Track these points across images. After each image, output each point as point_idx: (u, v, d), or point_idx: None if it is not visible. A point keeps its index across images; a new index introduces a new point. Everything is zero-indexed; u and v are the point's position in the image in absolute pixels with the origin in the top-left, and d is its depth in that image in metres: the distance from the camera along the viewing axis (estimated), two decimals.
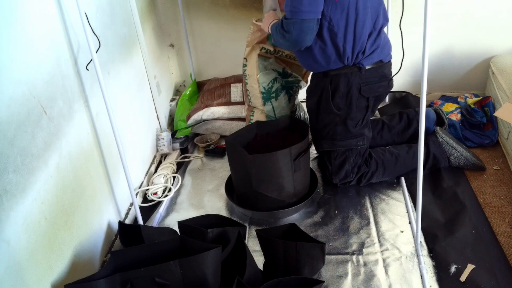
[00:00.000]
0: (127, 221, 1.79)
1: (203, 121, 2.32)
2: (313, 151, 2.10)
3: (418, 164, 1.40)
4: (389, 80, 1.78)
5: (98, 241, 1.55)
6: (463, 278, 1.42)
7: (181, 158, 2.24)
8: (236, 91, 2.33)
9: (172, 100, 2.60)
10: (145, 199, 1.98)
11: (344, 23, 1.59)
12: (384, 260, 1.54)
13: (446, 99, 2.40)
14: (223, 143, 2.27)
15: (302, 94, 2.13)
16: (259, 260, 1.53)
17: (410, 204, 1.78)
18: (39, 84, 1.22)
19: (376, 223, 1.71)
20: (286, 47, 1.68)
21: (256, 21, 1.96)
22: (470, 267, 1.46)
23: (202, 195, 1.98)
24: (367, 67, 1.69)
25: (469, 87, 2.48)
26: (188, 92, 2.54)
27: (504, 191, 1.81)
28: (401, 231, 1.66)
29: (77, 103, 1.43)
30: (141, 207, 1.86)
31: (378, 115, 2.36)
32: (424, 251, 1.56)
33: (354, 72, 1.69)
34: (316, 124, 1.84)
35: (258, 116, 2.08)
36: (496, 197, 1.78)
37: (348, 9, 1.57)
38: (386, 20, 1.71)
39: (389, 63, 1.77)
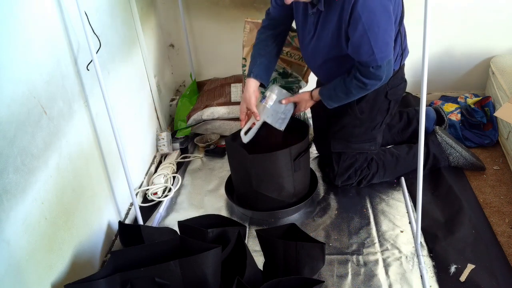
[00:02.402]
0: (127, 221, 1.79)
1: (203, 121, 2.32)
2: (313, 151, 2.10)
3: (418, 164, 1.40)
4: (405, 81, 1.79)
5: (98, 241, 1.55)
6: (463, 278, 1.42)
7: (181, 158, 2.24)
8: (236, 91, 2.33)
9: (172, 100, 2.60)
10: (145, 199, 1.98)
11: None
12: (384, 260, 1.54)
13: (446, 99, 2.40)
14: (223, 143, 2.27)
15: None
16: (259, 260, 1.53)
17: (410, 204, 1.78)
18: (39, 84, 1.22)
19: (376, 223, 1.71)
20: (363, 93, 1.62)
21: (249, 19, 1.96)
22: (470, 267, 1.46)
23: (202, 195, 1.98)
24: (394, 70, 1.67)
25: (469, 87, 2.48)
26: (188, 92, 2.54)
27: (504, 191, 1.81)
28: (401, 231, 1.66)
29: (77, 103, 1.43)
30: (141, 207, 1.86)
31: None
32: (424, 251, 1.56)
33: None
34: (334, 126, 1.82)
35: None
36: (496, 197, 1.78)
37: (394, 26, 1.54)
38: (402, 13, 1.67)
39: (404, 64, 1.77)
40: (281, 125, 1.72)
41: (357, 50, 1.47)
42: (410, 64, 1.80)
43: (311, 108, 2.02)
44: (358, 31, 1.42)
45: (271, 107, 1.68)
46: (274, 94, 1.69)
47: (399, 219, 1.71)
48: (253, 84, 1.69)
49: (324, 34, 1.56)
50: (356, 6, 1.39)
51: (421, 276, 1.46)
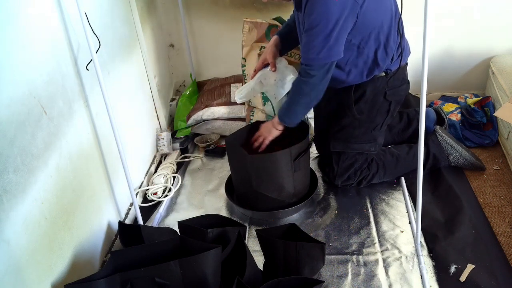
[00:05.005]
0: (127, 221, 1.79)
1: (203, 121, 2.32)
2: (313, 151, 2.10)
3: (418, 164, 1.40)
4: (408, 82, 1.78)
5: (98, 241, 1.55)
6: (463, 278, 1.42)
7: (181, 158, 2.24)
8: (236, 91, 2.33)
9: (172, 100, 2.60)
10: (145, 199, 1.98)
11: (376, 45, 1.58)
12: (384, 260, 1.54)
13: (446, 99, 2.40)
14: (223, 143, 2.27)
15: None
16: (259, 260, 1.53)
17: (410, 204, 1.78)
18: (39, 84, 1.22)
19: (376, 223, 1.71)
20: (309, 101, 1.64)
21: (248, 19, 1.97)
22: (470, 267, 1.46)
23: (202, 195, 1.98)
24: (393, 71, 1.68)
25: (469, 87, 2.48)
26: (188, 92, 2.54)
27: (504, 191, 1.81)
28: (401, 231, 1.66)
29: (77, 103, 1.43)
30: (141, 207, 1.86)
31: None
32: (424, 251, 1.56)
33: (381, 77, 1.68)
34: (334, 126, 1.82)
35: (258, 116, 2.08)
36: (496, 197, 1.78)
37: (380, 30, 1.55)
38: (399, 14, 1.67)
39: (406, 65, 1.77)
40: (273, 90, 1.82)
41: (301, 46, 1.53)
42: (410, 64, 1.80)
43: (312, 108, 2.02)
44: (305, 29, 1.48)
45: (269, 70, 1.80)
46: (278, 62, 1.82)
47: (399, 219, 1.71)
48: (275, 39, 1.80)
49: None
50: (307, 5, 1.44)
51: (421, 276, 1.46)
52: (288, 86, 1.83)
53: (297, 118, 1.69)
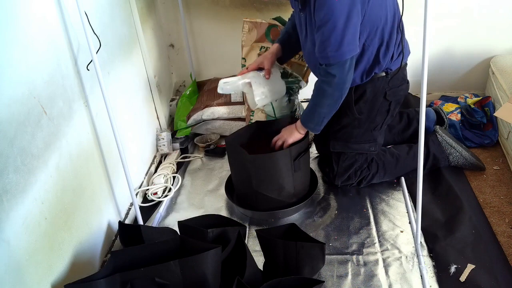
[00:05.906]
0: (127, 221, 1.79)
1: (203, 121, 2.32)
2: (313, 151, 2.10)
3: (418, 164, 1.40)
4: (407, 82, 1.78)
5: (98, 241, 1.55)
6: (463, 278, 1.42)
7: (181, 158, 2.24)
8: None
9: (172, 100, 2.60)
10: (145, 199, 1.98)
11: (379, 42, 1.58)
12: (384, 260, 1.54)
13: (446, 99, 2.40)
14: (223, 143, 2.27)
15: (302, 94, 2.13)
16: (259, 260, 1.53)
17: (410, 204, 1.78)
18: (39, 84, 1.22)
19: (376, 223, 1.71)
20: (334, 102, 1.59)
21: (248, 19, 1.97)
22: (470, 267, 1.46)
23: (202, 195, 1.98)
24: (393, 70, 1.68)
25: (469, 87, 2.48)
26: (188, 92, 2.54)
27: (504, 191, 1.81)
28: (401, 231, 1.66)
29: (77, 103, 1.43)
30: (141, 207, 1.86)
31: None
32: (424, 251, 1.56)
33: (381, 77, 1.68)
34: (334, 126, 1.81)
35: (258, 116, 2.08)
36: (496, 197, 1.78)
37: (384, 26, 1.54)
38: (400, 15, 1.67)
39: (406, 65, 1.76)
40: (258, 96, 1.78)
41: (317, 47, 1.50)
42: (410, 64, 1.80)
43: None
44: (317, 28, 1.46)
45: (262, 75, 1.79)
46: (273, 71, 1.81)
47: (399, 219, 1.71)
48: (276, 46, 1.81)
49: (311, 35, 1.57)
50: (316, 3, 1.43)
51: (421, 276, 1.46)
52: (272, 97, 1.82)
53: (323, 121, 1.65)
